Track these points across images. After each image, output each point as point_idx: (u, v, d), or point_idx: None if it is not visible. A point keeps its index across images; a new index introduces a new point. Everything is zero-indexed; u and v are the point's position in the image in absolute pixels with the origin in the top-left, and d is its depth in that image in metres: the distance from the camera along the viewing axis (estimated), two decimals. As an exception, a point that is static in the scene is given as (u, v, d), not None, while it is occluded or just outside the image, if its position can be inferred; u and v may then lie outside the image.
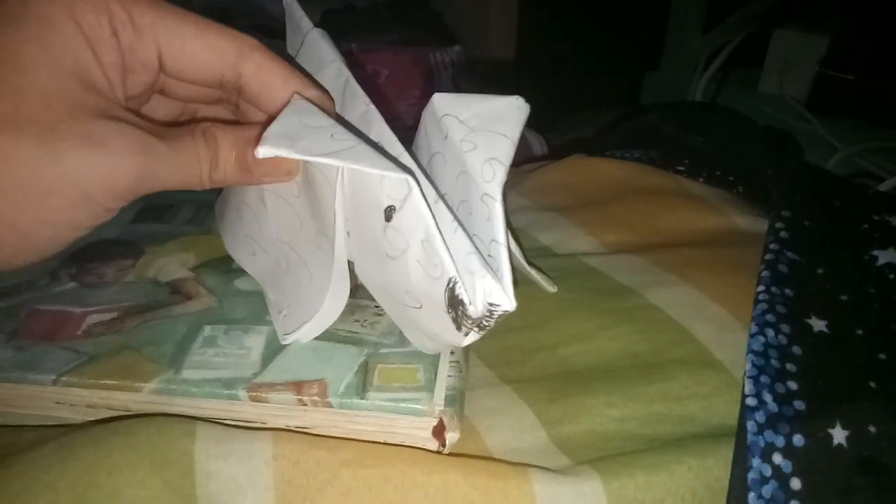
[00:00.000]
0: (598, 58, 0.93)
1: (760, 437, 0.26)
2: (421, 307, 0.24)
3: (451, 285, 0.21)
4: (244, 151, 0.25)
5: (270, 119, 0.24)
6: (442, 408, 0.25)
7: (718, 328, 0.33)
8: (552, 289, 0.35)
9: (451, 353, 0.27)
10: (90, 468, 0.23)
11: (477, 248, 0.22)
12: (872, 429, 0.26)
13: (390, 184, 0.22)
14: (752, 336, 0.30)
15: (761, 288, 0.32)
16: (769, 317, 0.31)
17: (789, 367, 0.28)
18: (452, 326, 0.22)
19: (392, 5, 0.84)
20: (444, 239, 0.21)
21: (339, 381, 0.26)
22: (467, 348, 0.30)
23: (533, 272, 0.34)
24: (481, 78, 0.76)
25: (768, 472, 0.25)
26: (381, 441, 0.26)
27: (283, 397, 0.25)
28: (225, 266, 0.33)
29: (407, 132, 0.27)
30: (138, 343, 0.28)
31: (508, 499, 0.24)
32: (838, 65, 0.72)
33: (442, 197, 0.23)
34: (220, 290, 0.31)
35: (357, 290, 0.28)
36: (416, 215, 0.22)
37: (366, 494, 0.24)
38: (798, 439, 0.26)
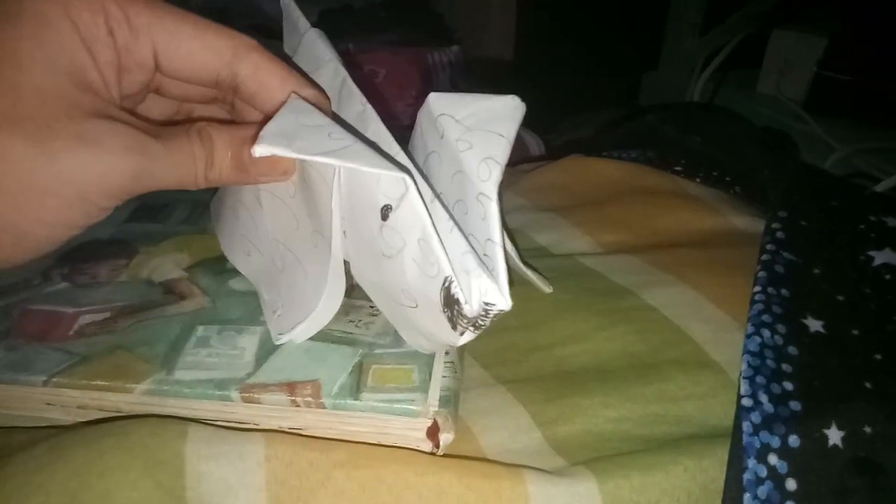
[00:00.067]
0: (596, 58, 0.93)
1: (756, 437, 0.26)
2: (417, 306, 0.24)
3: (447, 284, 0.21)
4: (240, 151, 0.25)
5: (267, 118, 0.24)
6: (436, 409, 0.25)
7: (715, 329, 0.33)
8: (548, 289, 0.35)
9: (446, 353, 0.27)
10: (81, 470, 0.23)
11: (473, 247, 0.22)
12: (868, 429, 0.25)
13: (387, 183, 0.22)
14: (748, 336, 0.30)
15: (758, 288, 0.32)
16: (765, 317, 0.30)
17: (785, 367, 0.28)
18: (448, 326, 0.22)
19: (390, 5, 0.84)
20: (440, 238, 0.21)
21: (333, 381, 0.26)
22: (462, 348, 0.30)
23: (529, 272, 0.34)
24: (479, 78, 0.76)
25: (764, 472, 0.25)
26: (375, 442, 0.25)
27: (276, 398, 0.25)
28: (219, 266, 0.33)
29: (404, 132, 0.27)
30: (131, 343, 0.28)
31: (502, 500, 0.23)
32: (836, 66, 0.72)
33: (438, 196, 0.23)
34: (214, 291, 0.31)
35: (352, 290, 0.28)
36: (412, 214, 0.22)
37: (359, 496, 0.23)
38: (794, 440, 0.25)
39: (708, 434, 0.28)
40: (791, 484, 0.25)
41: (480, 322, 0.21)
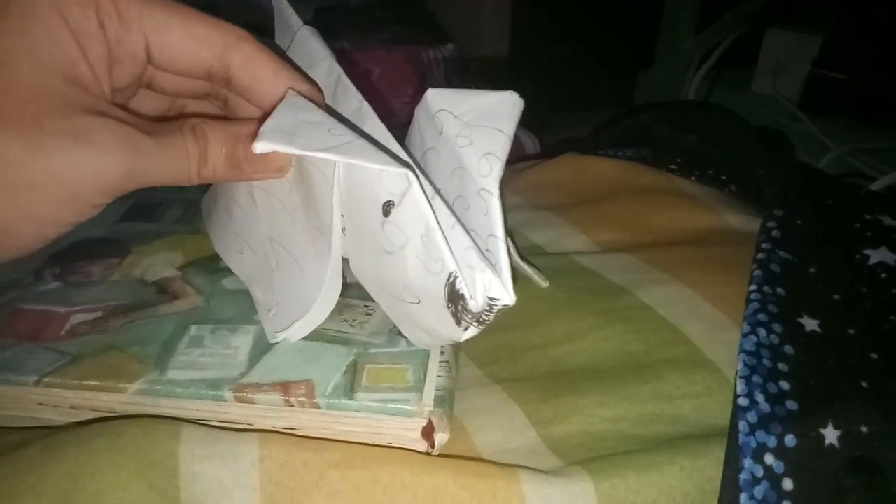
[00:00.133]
0: (591, 57, 0.93)
1: (752, 437, 0.26)
2: (419, 302, 0.23)
3: (451, 280, 0.21)
4: (234, 147, 0.25)
5: (265, 114, 0.23)
6: (431, 408, 0.24)
7: (711, 327, 0.33)
8: (545, 283, 0.35)
9: (441, 352, 0.27)
10: (73, 470, 0.23)
11: (475, 242, 0.22)
12: (864, 429, 0.25)
13: (389, 178, 0.22)
14: (744, 336, 0.30)
15: (753, 287, 0.32)
16: (761, 316, 0.30)
17: (781, 366, 0.28)
18: (452, 321, 0.22)
19: (384, 4, 0.84)
20: (444, 234, 0.21)
21: (327, 381, 0.25)
22: (457, 347, 0.30)
23: (526, 267, 0.34)
24: (474, 76, 0.76)
25: (760, 472, 0.25)
26: (370, 442, 0.25)
27: (270, 398, 0.25)
28: (213, 265, 0.33)
29: (400, 129, 0.27)
30: (124, 343, 0.27)
31: (498, 500, 0.23)
32: (831, 65, 0.72)
33: (438, 192, 0.23)
34: (208, 290, 0.31)
35: (347, 289, 0.28)
36: (415, 210, 0.21)
37: (354, 496, 0.23)
38: (790, 439, 0.25)
39: (704, 433, 0.27)
40: (788, 484, 0.25)
41: (484, 317, 0.21)
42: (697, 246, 0.40)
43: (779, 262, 0.34)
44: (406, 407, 0.24)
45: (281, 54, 0.27)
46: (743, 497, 0.24)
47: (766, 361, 0.28)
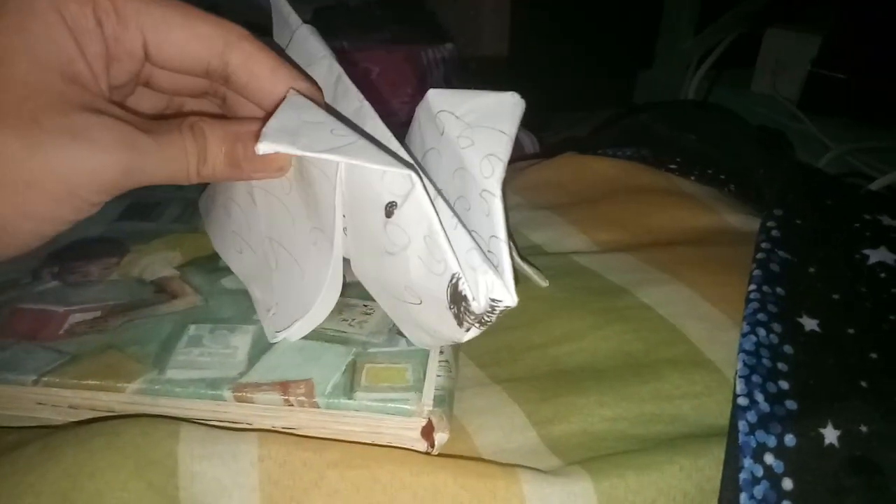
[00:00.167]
0: (590, 57, 0.93)
1: (752, 436, 0.26)
2: (421, 303, 0.23)
3: (454, 281, 0.21)
4: (234, 146, 0.25)
5: (267, 114, 0.23)
6: (431, 408, 0.24)
7: (710, 327, 0.33)
8: (544, 283, 0.35)
9: (441, 352, 0.27)
10: (72, 470, 0.23)
11: (477, 243, 0.22)
12: (864, 428, 0.25)
13: (392, 180, 0.22)
14: (743, 335, 0.30)
15: (753, 287, 0.32)
16: (761, 316, 0.30)
17: (781, 366, 0.28)
18: (454, 322, 0.22)
19: (384, 3, 0.84)
20: (447, 235, 0.21)
21: (327, 380, 0.25)
22: (457, 347, 0.30)
23: (526, 267, 0.34)
24: (474, 76, 0.76)
25: (760, 472, 0.25)
26: (369, 442, 0.25)
27: (269, 397, 0.25)
28: (211, 265, 0.33)
29: (400, 129, 0.27)
30: (122, 342, 0.27)
31: (497, 500, 0.23)
32: (830, 64, 0.72)
33: (440, 193, 0.23)
34: (206, 289, 0.31)
35: (346, 288, 0.28)
36: (418, 211, 0.21)
37: (353, 496, 0.23)
38: (790, 439, 0.25)
39: (703, 433, 0.27)
40: (787, 483, 0.25)
41: (486, 318, 0.21)
42: (697, 246, 0.40)
43: (778, 261, 0.34)
44: (405, 406, 0.24)
45: (280, 53, 0.27)
46: (743, 496, 0.24)
47: (765, 361, 0.28)
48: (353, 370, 0.26)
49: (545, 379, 0.30)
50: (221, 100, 0.28)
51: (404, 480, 0.24)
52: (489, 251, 0.22)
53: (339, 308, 0.28)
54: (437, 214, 0.21)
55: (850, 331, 0.30)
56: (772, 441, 0.25)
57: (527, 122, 0.25)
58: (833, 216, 0.38)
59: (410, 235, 0.22)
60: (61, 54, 0.22)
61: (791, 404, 0.27)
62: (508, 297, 0.21)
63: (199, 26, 0.24)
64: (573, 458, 0.26)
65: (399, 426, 0.25)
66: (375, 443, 0.25)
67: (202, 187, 0.37)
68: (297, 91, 0.25)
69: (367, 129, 0.25)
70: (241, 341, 0.28)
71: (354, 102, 0.27)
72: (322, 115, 0.24)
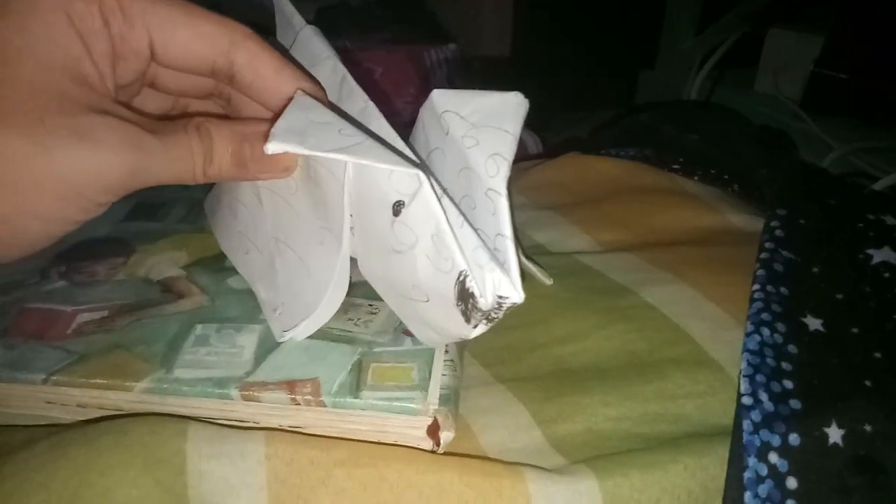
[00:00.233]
0: (593, 57, 0.93)
1: (756, 436, 0.26)
2: (428, 301, 0.24)
3: (461, 278, 0.21)
4: (240, 147, 0.25)
5: (275, 114, 0.24)
6: (436, 407, 0.25)
7: (714, 327, 0.33)
8: (549, 281, 0.35)
9: (446, 351, 0.27)
10: (82, 468, 0.23)
11: (483, 242, 0.22)
12: (868, 428, 0.26)
13: (399, 179, 0.22)
14: (747, 335, 0.30)
15: (757, 286, 0.32)
16: (765, 315, 0.30)
17: (785, 365, 0.28)
18: (462, 319, 0.22)
19: (384, 3, 0.84)
20: (454, 233, 0.21)
21: (333, 379, 0.25)
22: (462, 347, 0.30)
23: (529, 265, 0.34)
24: (476, 76, 0.76)
25: (764, 471, 0.25)
26: (375, 440, 0.25)
27: (276, 396, 0.25)
28: (217, 264, 0.33)
29: (403, 129, 0.27)
30: (129, 342, 0.28)
31: (503, 498, 0.23)
32: (833, 64, 0.72)
33: (445, 192, 0.23)
34: (213, 289, 0.31)
35: (352, 288, 0.28)
36: (426, 210, 0.22)
37: (360, 494, 0.23)
38: (794, 438, 0.26)
39: (707, 432, 0.28)
40: (792, 482, 0.25)
41: (494, 315, 0.22)
42: (700, 245, 0.40)
43: (782, 261, 0.34)
44: (411, 405, 0.25)
45: (283, 53, 0.27)
46: (747, 495, 0.25)
47: (769, 360, 0.28)
48: (358, 369, 0.26)
49: (549, 378, 0.30)
50: (226, 101, 0.28)
51: (410, 479, 0.24)
52: (495, 249, 0.22)
53: (345, 308, 0.29)
54: (445, 213, 0.21)
55: (854, 330, 0.30)
56: (776, 440, 0.26)
57: (528, 122, 0.25)
58: (837, 216, 0.38)
59: (418, 234, 0.22)
60: (67, 54, 0.22)
61: (795, 403, 0.27)
62: (515, 294, 0.21)
63: (204, 25, 0.24)
64: (578, 457, 0.26)
65: (405, 425, 0.25)
66: (381, 441, 0.25)
67: (208, 188, 0.37)
68: (303, 91, 0.25)
69: (373, 130, 0.26)
70: (248, 341, 0.28)
71: (359, 103, 0.27)
72: (330, 116, 0.24)
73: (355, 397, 0.25)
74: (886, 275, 0.33)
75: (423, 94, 0.27)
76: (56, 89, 0.21)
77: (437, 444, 0.25)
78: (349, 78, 0.28)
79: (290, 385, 0.25)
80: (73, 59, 0.22)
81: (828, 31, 0.73)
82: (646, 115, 0.59)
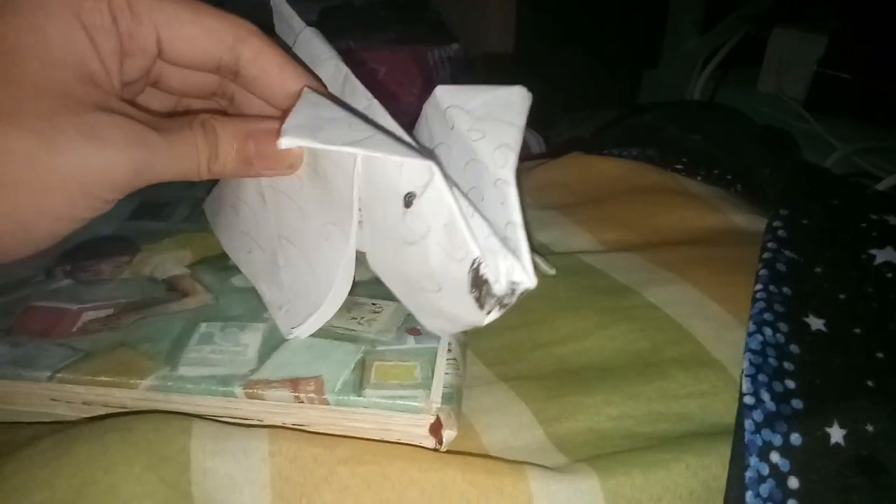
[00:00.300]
0: (595, 57, 0.93)
1: (758, 435, 0.26)
2: (440, 290, 0.24)
3: (475, 266, 0.21)
4: (245, 144, 0.25)
5: (284, 112, 0.24)
6: (439, 405, 0.25)
7: (716, 327, 0.33)
8: (552, 271, 0.36)
9: (449, 350, 0.27)
10: (86, 465, 0.23)
11: (494, 230, 0.22)
12: (870, 428, 0.26)
13: (410, 170, 0.22)
14: (749, 335, 0.30)
15: (759, 286, 0.32)
16: (767, 315, 0.30)
17: (787, 365, 0.28)
18: (475, 306, 0.22)
19: (388, 3, 0.84)
20: (467, 221, 0.21)
21: (336, 378, 0.26)
22: (465, 346, 0.30)
23: (534, 255, 0.34)
24: (480, 75, 0.76)
25: (766, 470, 0.25)
26: (379, 439, 0.25)
27: (280, 394, 0.25)
28: (221, 263, 0.33)
29: (408, 128, 0.27)
30: (134, 340, 0.28)
31: (505, 496, 0.24)
32: (836, 64, 0.72)
33: (455, 183, 0.23)
34: (217, 287, 0.31)
35: (355, 287, 0.28)
36: (438, 200, 0.22)
37: (363, 492, 0.24)
38: (796, 438, 0.26)
39: (709, 432, 0.28)
40: (793, 482, 0.25)
41: (507, 301, 0.22)
42: (703, 245, 0.40)
43: (785, 261, 0.34)
44: (414, 403, 0.25)
45: (287, 50, 0.27)
46: (749, 495, 0.25)
47: (771, 360, 0.28)
48: (362, 368, 0.26)
49: (552, 377, 0.30)
50: (229, 100, 0.28)
51: (413, 477, 0.24)
52: (506, 237, 0.23)
53: (348, 306, 0.29)
54: (457, 202, 0.22)
55: (857, 330, 0.30)
56: (778, 440, 0.26)
57: (531, 122, 0.25)
58: (840, 216, 0.38)
59: (430, 224, 0.22)
60: (75, 53, 0.22)
61: (797, 403, 0.27)
62: (528, 279, 0.21)
63: (209, 21, 0.25)
64: (580, 456, 0.26)
65: (408, 423, 0.25)
66: (384, 439, 0.25)
67: (211, 187, 0.37)
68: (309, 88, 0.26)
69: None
70: (252, 339, 0.28)
71: (363, 101, 0.27)
72: (339, 111, 0.24)
73: (358, 395, 0.25)
74: (889, 275, 0.33)
75: (427, 94, 0.27)
76: (63, 88, 0.21)
77: (440, 442, 0.25)
78: (352, 77, 0.28)
79: (294, 383, 0.25)
80: (81, 58, 0.22)
81: (831, 32, 0.73)
82: (649, 115, 0.59)
